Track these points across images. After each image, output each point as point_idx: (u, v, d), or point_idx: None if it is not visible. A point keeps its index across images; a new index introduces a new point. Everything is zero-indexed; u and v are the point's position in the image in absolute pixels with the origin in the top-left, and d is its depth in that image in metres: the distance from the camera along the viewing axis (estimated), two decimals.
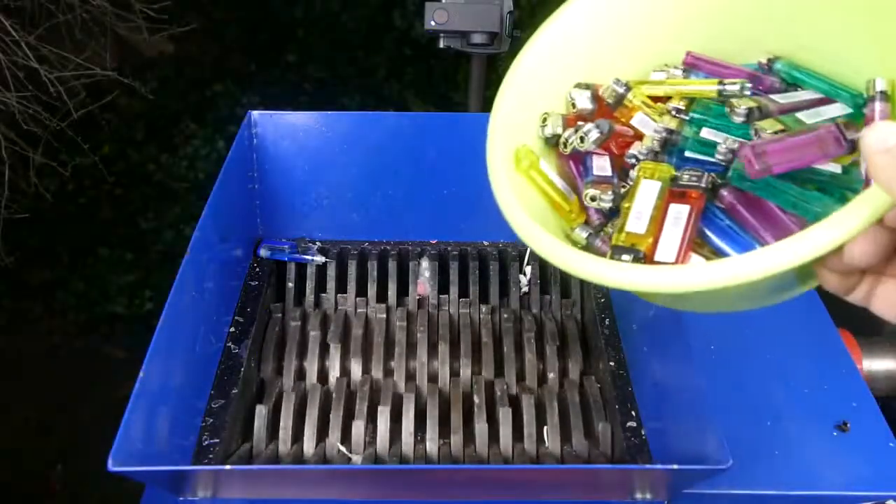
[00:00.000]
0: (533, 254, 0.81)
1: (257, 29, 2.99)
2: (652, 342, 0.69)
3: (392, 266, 0.80)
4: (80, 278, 2.56)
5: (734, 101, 0.43)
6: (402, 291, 0.80)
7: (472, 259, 0.81)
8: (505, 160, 0.48)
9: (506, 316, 0.77)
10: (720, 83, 0.47)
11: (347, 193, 0.83)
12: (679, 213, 0.42)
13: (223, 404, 0.64)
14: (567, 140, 0.50)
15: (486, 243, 0.83)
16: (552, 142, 0.51)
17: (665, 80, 0.50)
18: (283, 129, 0.81)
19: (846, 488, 0.63)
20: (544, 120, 0.51)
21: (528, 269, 0.81)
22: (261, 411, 0.66)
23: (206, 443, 0.61)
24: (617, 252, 0.42)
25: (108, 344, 2.47)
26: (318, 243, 0.82)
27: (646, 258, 0.42)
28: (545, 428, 0.66)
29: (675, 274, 0.36)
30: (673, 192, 0.43)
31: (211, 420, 0.63)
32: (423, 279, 0.81)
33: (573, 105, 0.51)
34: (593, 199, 0.47)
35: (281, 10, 2.97)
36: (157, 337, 0.54)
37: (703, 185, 0.42)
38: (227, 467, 0.53)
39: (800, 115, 0.43)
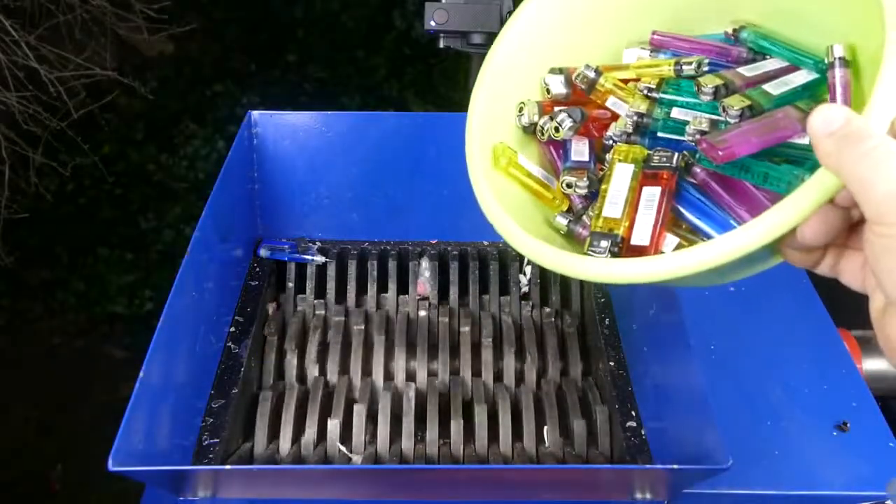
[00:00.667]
0: None
1: (257, 29, 2.99)
2: (652, 342, 0.69)
3: (392, 266, 0.80)
4: (80, 278, 2.56)
5: (702, 79, 0.44)
6: (402, 291, 0.80)
7: (472, 259, 0.81)
8: (483, 159, 0.49)
9: (506, 316, 0.77)
10: (676, 63, 0.47)
11: (347, 193, 0.83)
12: (651, 196, 0.43)
13: (223, 404, 0.64)
14: (543, 127, 0.50)
15: (486, 243, 0.83)
16: (530, 130, 0.51)
17: (629, 65, 0.51)
18: (283, 129, 0.81)
19: (846, 488, 0.63)
20: (521, 109, 0.51)
21: (528, 269, 0.81)
22: (261, 411, 0.66)
23: (206, 443, 0.61)
24: (595, 238, 0.43)
25: (108, 344, 2.47)
26: (318, 243, 0.82)
27: (624, 242, 0.43)
28: (545, 428, 0.66)
29: (626, 266, 0.38)
30: (645, 175, 0.44)
31: (211, 420, 0.63)
32: (423, 279, 0.81)
33: (548, 91, 0.52)
34: (569, 185, 0.48)
35: (281, 10, 2.97)
36: (157, 337, 0.54)
37: (673, 164, 0.43)
38: (227, 467, 0.53)
39: (766, 86, 0.43)
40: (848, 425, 0.68)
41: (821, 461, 0.66)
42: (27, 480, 2.09)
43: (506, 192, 0.49)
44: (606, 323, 0.74)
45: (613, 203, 0.44)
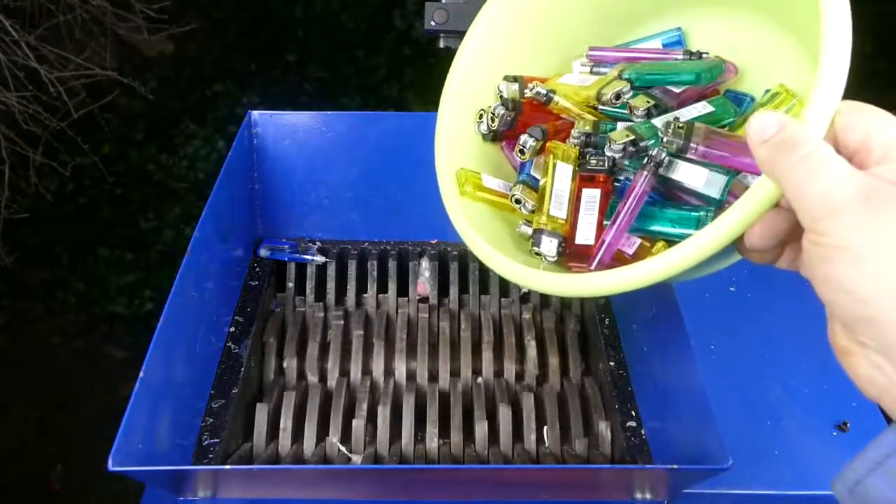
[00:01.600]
0: None
1: (257, 29, 2.99)
2: (652, 342, 0.69)
3: (392, 266, 0.80)
4: (80, 278, 2.56)
5: (633, 101, 0.47)
6: (402, 291, 0.80)
7: (472, 259, 0.81)
8: (454, 185, 0.52)
9: (506, 316, 0.77)
10: (598, 95, 0.48)
11: (347, 193, 0.83)
12: (592, 198, 0.46)
13: (223, 404, 0.64)
14: (493, 112, 0.52)
15: None
16: (488, 137, 0.53)
17: (567, 91, 0.52)
18: (283, 129, 0.81)
19: None
20: (480, 116, 0.52)
21: None
22: (261, 411, 0.66)
23: (206, 443, 0.61)
24: (537, 234, 0.46)
25: (108, 344, 2.47)
26: (318, 243, 0.82)
27: (566, 241, 0.46)
28: (545, 428, 0.66)
29: (585, 281, 0.41)
30: (583, 178, 0.47)
31: (211, 420, 0.63)
32: (423, 279, 0.81)
33: (501, 97, 0.54)
34: (518, 202, 0.50)
35: (281, 10, 2.97)
36: (158, 337, 0.54)
37: (606, 167, 0.46)
38: (227, 467, 0.53)
39: (655, 121, 0.46)
40: (848, 425, 0.68)
41: (821, 461, 0.66)
42: (27, 480, 2.09)
43: (477, 211, 0.51)
44: (606, 323, 0.74)
45: (559, 204, 0.47)
